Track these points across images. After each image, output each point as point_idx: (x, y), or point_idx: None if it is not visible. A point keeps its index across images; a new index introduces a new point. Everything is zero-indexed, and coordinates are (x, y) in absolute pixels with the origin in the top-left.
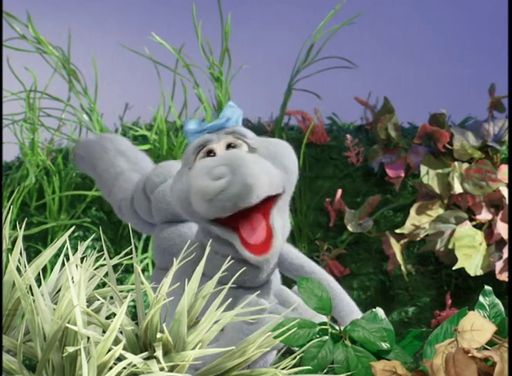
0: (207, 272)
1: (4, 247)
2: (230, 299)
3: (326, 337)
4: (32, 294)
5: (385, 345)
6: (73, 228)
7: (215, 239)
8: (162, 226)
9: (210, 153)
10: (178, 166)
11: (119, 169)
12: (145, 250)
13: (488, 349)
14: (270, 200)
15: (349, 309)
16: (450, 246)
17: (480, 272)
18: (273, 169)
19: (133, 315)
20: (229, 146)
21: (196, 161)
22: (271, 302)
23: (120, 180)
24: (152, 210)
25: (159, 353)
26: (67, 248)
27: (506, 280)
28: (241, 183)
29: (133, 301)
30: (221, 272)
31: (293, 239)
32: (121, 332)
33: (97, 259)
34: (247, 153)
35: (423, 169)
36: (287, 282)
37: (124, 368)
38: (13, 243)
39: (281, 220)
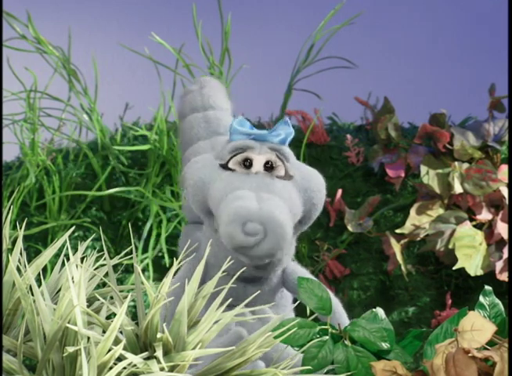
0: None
1: (4, 247)
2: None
3: (326, 337)
4: (32, 294)
5: (385, 345)
6: (73, 228)
7: (219, 244)
8: (190, 227)
9: (246, 161)
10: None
11: (195, 137)
12: (145, 250)
13: (488, 349)
14: None
15: None
16: (450, 246)
17: (480, 272)
18: (298, 205)
19: (133, 315)
20: (268, 163)
21: (229, 162)
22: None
23: (190, 151)
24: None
25: (159, 353)
26: (67, 248)
27: (507, 280)
28: (268, 250)
29: (133, 301)
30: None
31: None
32: (121, 332)
33: (97, 259)
34: (285, 207)
35: (424, 169)
36: None
37: (125, 368)
38: (13, 243)
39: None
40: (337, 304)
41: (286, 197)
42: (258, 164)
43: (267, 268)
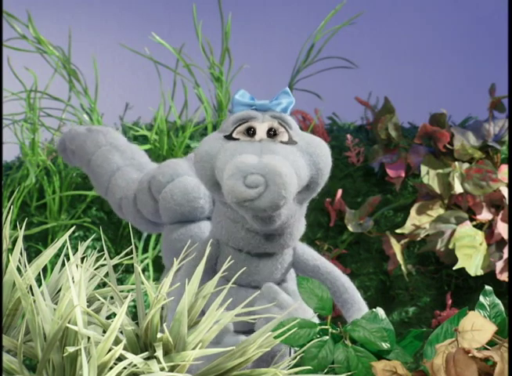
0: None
1: (4, 247)
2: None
3: (327, 337)
4: (32, 294)
5: (386, 345)
6: (73, 228)
7: (231, 217)
8: (171, 227)
9: (250, 130)
10: (184, 164)
11: (114, 165)
12: (145, 250)
13: (488, 349)
14: None
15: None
16: (450, 246)
17: (480, 273)
18: (304, 169)
19: (133, 315)
20: (271, 130)
21: (233, 133)
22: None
23: (117, 177)
24: (159, 210)
25: (159, 353)
26: (68, 248)
27: (507, 280)
28: (271, 200)
29: (133, 301)
30: (225, 267)
31: None
32: (122, 332)
33: (97, 259)
34: (287, 163)
35: (424, 169)
36: None
37: (125, 368)
38: (14, 243)
39: (293, 207)
40: (358, 296)
41: (291, 159)
42: (261, 131)
43: (278, 240)
